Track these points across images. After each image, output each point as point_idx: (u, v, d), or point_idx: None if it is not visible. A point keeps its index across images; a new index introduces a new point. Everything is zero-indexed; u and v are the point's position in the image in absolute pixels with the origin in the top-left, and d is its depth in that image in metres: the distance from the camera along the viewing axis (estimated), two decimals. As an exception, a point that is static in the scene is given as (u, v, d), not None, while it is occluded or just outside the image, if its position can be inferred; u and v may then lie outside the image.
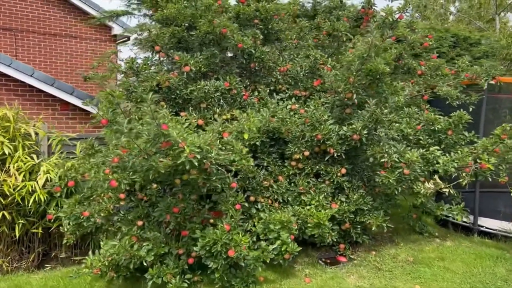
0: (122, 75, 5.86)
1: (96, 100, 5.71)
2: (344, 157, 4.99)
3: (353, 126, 4.69)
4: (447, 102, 5.76)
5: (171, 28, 5.47)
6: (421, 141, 5.40)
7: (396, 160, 4.67)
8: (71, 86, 7.32)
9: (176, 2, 5.69)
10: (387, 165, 4.73)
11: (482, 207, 6.15)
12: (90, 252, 4.39)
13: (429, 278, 4.41)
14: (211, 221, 4.68)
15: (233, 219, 4.51)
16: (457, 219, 5.40)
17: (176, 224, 4.62)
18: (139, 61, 5.73)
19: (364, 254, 5.19)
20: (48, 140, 5.72)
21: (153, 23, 6.01)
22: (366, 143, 4.84)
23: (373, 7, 6.64)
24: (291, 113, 5.38)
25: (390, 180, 4.65)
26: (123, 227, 4.62)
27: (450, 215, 5.42)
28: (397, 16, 5.50)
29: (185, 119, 4.76)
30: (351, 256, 5.20)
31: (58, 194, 5.09)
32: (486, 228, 6.00)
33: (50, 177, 5.13)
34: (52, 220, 5.05)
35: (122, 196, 4.45)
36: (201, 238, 4.33)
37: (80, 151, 5.40)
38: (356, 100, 4.90)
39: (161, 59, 6.02)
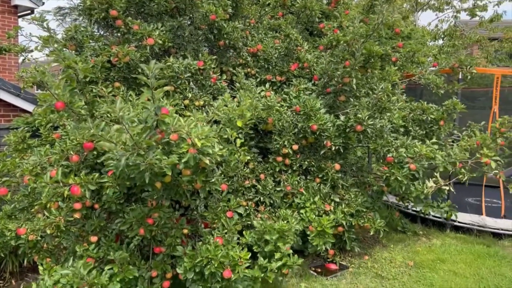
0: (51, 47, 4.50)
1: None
2: (341, 151, 4.35)
3: (359, 115, 4.03)
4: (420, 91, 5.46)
5: (127, -11, 4.31)
6: (411, 133, 4.97)
7: (404, 154, 4.14)
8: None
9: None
10: (392, 160, 4.19)
11: (453, 201, 5.97)
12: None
13: (441, 285, 3.97)
14: (185, 231, 3.72)
15: (226, 231, 3.61)
16: (447, 217, 5.09)
17: (149, 239, 3.58)
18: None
19: (356, 260, 4.63)
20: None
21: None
22: (368, 135, 4.23)
23: (342, -13, 6.11)
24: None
25: (398, 177, 4.11)
26: (77, 247, 3.44)
27: (436, 212, 5.09)
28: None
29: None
30: (342, 263, 4.60)
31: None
32: (459, 222, 5.84)
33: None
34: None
35: (77, 205, 3.27)
36: (187, 257, 3.37)
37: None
38: (355, 86, 4.27)
39: (102, 31, 4.81)
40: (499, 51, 14.31)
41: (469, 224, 5.79)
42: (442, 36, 14.45)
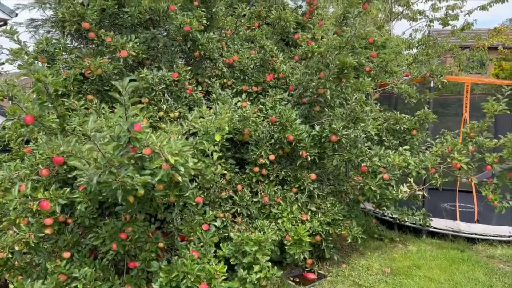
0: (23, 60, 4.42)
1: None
2: (317, 161, 4.38)
3: (333, 125, 4.08)
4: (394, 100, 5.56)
5: (99, 1, 4.26)
6: (385, 142, 5.05)
7: (377, 164, 4.20)
8: None
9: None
10: (366, 169, 4.25)
11: (428, 207, 6.09)
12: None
13: (417, 291, 4.03)
14: (161, 245, 3.69)
15: (201, 244, 3.58)
16: (422, 224, 5.19)
17: (122, 254, 3.53)
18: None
19: (334, 269, 4.65)
20: None
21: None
22: (343, 145, 4.28)
23: (316, -2, 6.19)
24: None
25: (372, 187, 4.17)
26: (48, 263, 3.35)
27: (410, 220, 5.18)
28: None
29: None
30: (320, 272, 4.62)
31: None
32: (434, 228, 5.94)
33: None
34: None
35: (48, 221, 3.20)
36: (163, 272, 3.33)
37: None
38: (329, 96, 4.33)
39: (75, 44, 4.75)
40: (470, 59, 14.70)
41: (444, 229, 5.90)
42: (416, 45, 14.77)
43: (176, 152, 2.61)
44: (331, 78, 4.29)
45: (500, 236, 5.60)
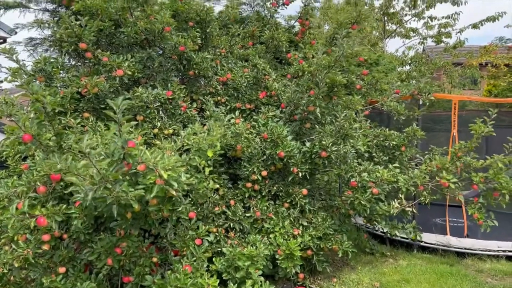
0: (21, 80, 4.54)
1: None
2: (308, 177, 4.49)
3: (323, 142, 4.21)
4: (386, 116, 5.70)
5: (97, 23, 4.41)
6: (374, 158, 5.18)
7: (366, 179, 4.32)
8: None
9: (98, -7, 4.66)
10: (356, 184, 4.36)
11: (419, 222, 6.18)
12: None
13: (406, 305, 4.11)
14: (154, 259, 3.77)
15: (194, 258, 3.67)
16: (412, 238, 5.28)
17: (117, 268, 3.60)
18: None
19: (325, 283, 4.72)
20: None
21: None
22: (333, 161, 4.40)
23: (309, 19, 6.38)
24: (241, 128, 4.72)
25: (362, 201, 4.28)
26: (43, 278, 3.42)
27: (400, 233, 5.28)
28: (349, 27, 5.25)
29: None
30: (312, 286, 4.69)
31: None
32: (425, 243, 6.03)
33: None
34: None
35: (46, 237, 3.29)
36: (156, 286, 3.40)
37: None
38: (319, 114, 4.47)
39: (72, 62, 4.90)
40: (463, 76, 14.96)
41: (434, 244, 5.98)
42: (409, 62, 15.04)
43: (170, 168, 2.72)
44: (320, 96, 4.44)
45: (489, 250, 5.69)
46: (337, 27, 5.41)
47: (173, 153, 3.46)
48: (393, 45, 76.90)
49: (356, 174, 4.38)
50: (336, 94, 4.82)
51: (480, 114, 4.79)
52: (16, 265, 3.24)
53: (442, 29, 15.13)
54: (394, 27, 16.46)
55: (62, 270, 3.58)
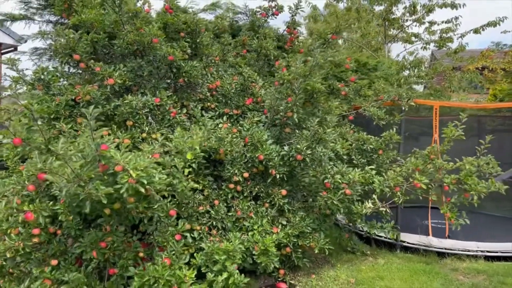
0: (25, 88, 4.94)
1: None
2: (285, 178, 4.79)
3: (298, 146, 4.51)
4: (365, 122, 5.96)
5: (91, 35, 4.79)
6: (353, 161, 5.45)
7: (339, 180, 4.60)
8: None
9: (94, 7, 5.03)
10: (330, 185, 4.64)
11: (402, 223, 6.42)
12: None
13: (375, 299, 4.36)
14: (141, 254, 4.10)
15: (173, 252, 3.98)
16: (390, 237, 5.53)
17: (103, 261, 3.94)
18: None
19: (304, 279, 5.00)
20: None
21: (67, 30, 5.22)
22: (308, 164, 4.69)
23: (297, 28, 6.68)
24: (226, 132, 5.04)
25: (334, 201, 4.56)
26: (34, 269, 3.78)
27: (381, 233, 5.53)
28: (329, 37, 5.54)
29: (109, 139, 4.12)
30: (291, 282, 4.97)
31: None
32: (408, 243, 6.26)
33: None
34: None
35: (36, 231, 3.65)
36: (137, 276, 3.72)
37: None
38: (297, 119, 4.76)
39: (72, 70, 5.27)
40: (462, 80, 15.06)
41: (416, 244, 6.21)
42: (409, 66, 15.21)
43: (141, 169, 3.05)
44: (298, 103, 4.73)
45: (468, 250, 5.90)
46: (317, 37, 5.71)
47: (149, 155, 3.77)
48: (397, 50, 76.43)
49: (329, 176, 4.65)
50: (316, 101, 5.09)
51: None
52: (8, 255, 3.59)
53: (444, 34, 15.26)
54: (395, 32, 16.64)
55: (54, 262, 3.92)
